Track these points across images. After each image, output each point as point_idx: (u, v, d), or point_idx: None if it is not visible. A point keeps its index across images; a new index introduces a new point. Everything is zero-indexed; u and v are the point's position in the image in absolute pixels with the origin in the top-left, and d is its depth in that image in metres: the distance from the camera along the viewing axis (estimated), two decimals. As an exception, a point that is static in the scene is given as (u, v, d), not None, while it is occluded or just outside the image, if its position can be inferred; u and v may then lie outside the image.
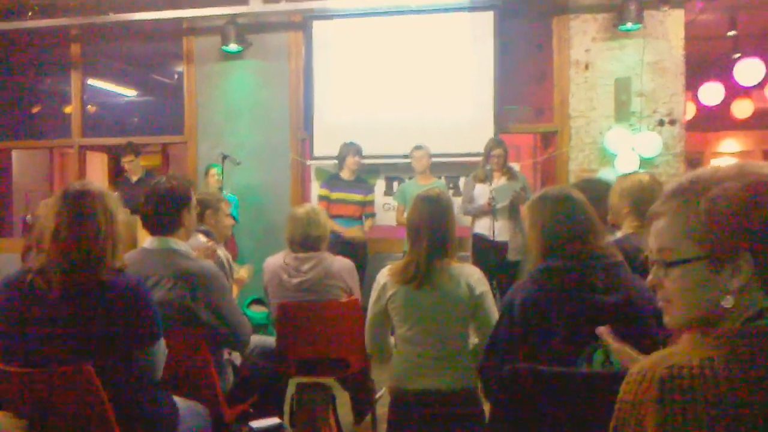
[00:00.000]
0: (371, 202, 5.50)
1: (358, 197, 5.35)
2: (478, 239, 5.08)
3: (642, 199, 2.51)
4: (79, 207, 1.94)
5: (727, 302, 0.93)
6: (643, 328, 1.88)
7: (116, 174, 7.35)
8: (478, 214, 5.08)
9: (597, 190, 2.68)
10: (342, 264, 3.14)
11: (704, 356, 0.87)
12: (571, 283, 1.91)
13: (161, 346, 2.08)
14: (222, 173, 5.64)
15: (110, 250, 1.95)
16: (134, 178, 5.90)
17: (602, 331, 1.62)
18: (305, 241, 3.07)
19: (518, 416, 1.87)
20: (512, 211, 4.99)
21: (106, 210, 1.97)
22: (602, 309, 1.87)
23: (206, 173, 5.79)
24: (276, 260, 3.14)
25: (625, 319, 1.87)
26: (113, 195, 2.06)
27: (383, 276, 2.49)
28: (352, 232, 5.24)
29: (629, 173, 2.83)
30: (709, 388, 0.84)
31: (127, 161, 5.88)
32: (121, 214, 2.07)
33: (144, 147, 6.64)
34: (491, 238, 4.89)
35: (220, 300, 2.46)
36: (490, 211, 4.86)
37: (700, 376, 0.85)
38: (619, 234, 2.62)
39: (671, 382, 0.87)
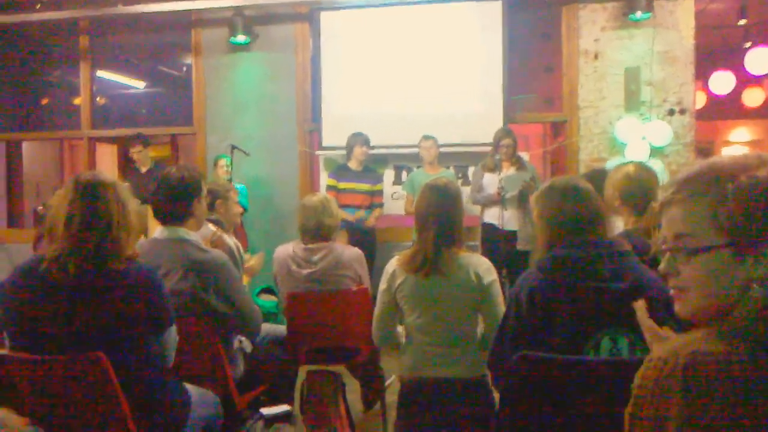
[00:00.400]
0: (380, 192, 5.49)
1: (366, 186, 5.35)
2: (488, 228, 5.08)
3: (629, 190, 2.50)
4: (91, 196, 1.95)
5: (755, 291, 0.91)
6: (653, 315, 1.88)
7: (126, 165, 7.39)
8: (487, 203, 5.08)
9: (605, 180, 2.67)
10: (352, 253, 3.15)
11: (728, 343, 0.86)
12: (577, 271, 1.91)
13: (172, 334, 2.10)
14: (231, 164, 5.65)
15: (124, 239, 1.96)
16: (143, 169, 5.93)
17: (639, 305, 1.61)
18: (318, 230, 3.08)
19: (527, 404, 1.88)
20: (521, 200, 4.98)
21: (118, 199, 1.98)
22: (609, 296, 1.87)
23: (215, 164, 5.81)
24: (285, 250, 3.15)
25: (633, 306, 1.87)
26: (124, 185, 2.08)
27: (392, 265, 2.50)
28: (358, 215, 5.23)
29: (620, 164, 2.79)
30: (734, 375, 0.84)
31: (135, 151, 5.91)
32: (133, 204, 2.08)
33: (153, 138, 6.67)
34: (500, 228, 4.89)
35: (231, 289, 2.47)
36: (499, 200, 4.86)
37: (726, 362, 0.85)
38: (620, 227, 2.60)
39: (695, 369, 0.86)
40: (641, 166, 2.64)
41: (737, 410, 0.83)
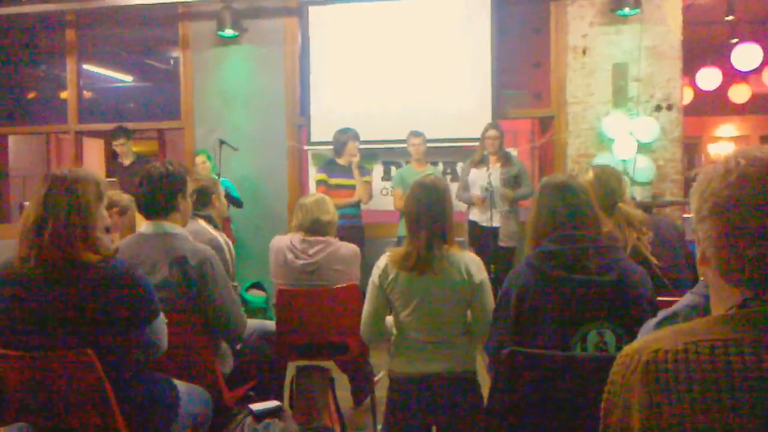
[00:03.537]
0: (368, 183, 5.46)
1: (356, 182, 5.33)
2: (473, 225, 5.10)
3: (594, 195, 2.54)
4: (43, 195, 1.94)
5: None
6: (637, 307, 1.91)
7: (113, 159, 7.33)
8: (469, 203, 5.11)
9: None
10: (349, 250, 3.15)
11: (689, 340, 0.88)
12: (564, 265, 1.94)
13: (160, 321, 2.10)
14: (210, 159, 5.60)
15: (79, 237, 1.93)
16: (126, 162, 5.88)
17: None
18: (314, 226, 3.09)
19: (515, 398, 1.89)
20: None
21: (73, 198, 1.94)
22: (595, 289, 1.89)
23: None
24: (283, 240, 3.16)
25: (619, 298, 1.90)
26: (96, 182, 2.03)
27: (383, 260, 2.50)
28: (359, 192, 5.20)
29: (585, 169, 2.84)
30: (692, 372, 0.86)
31: (118, 144, 5.84)
32: (106, 201, 2.07)
33: (140, 132, 6.61)
34: (485, 225, 4.91)
35: (215, 286, 2.43)
36: (484, 204, 4.88)
37: (684, 360, 0.86)
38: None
39: (656, 366, 0.88)
40: (602, 170, 2.72)
41: (695, 406, 0.84)
